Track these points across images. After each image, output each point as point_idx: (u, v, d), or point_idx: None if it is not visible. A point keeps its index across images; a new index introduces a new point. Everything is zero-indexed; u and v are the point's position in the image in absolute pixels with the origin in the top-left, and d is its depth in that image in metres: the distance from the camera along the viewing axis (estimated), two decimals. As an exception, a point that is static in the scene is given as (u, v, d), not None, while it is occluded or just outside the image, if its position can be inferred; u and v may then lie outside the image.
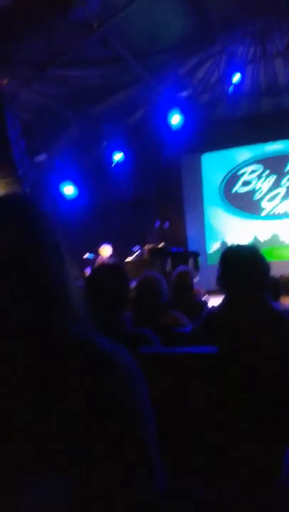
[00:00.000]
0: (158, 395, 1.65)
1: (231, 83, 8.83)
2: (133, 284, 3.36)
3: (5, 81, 6.68)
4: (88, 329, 0.82)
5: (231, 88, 8.90)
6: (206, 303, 3.93)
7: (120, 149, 9.61)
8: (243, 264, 1.83)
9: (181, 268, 3.91)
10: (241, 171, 10.89)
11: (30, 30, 6.40)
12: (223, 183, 11.05)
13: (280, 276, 4.25)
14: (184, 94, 9.11)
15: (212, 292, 7.31)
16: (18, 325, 0.76)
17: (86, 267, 9.71)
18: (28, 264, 0.78)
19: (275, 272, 8.23)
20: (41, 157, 8.85)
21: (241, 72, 8.73)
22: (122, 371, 0.75)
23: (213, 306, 3.24)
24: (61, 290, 0.81)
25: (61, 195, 9.66)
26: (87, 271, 9.52)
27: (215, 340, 1.81)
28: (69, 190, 9.62)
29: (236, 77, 8.64)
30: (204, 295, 4.62)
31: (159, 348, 1.86)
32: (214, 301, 5.80)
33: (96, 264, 9.19)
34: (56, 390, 0.71)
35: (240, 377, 1.55)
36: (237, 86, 8.88)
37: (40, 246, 0.80)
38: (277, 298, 3.57)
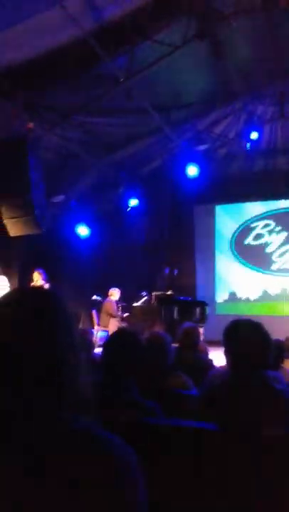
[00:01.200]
0: (158, 466, 1.65)
1: (249, 140, 9.06)
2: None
3: (30, 125, 6.93)
4: (93, 424, 0.85)
5: (249, 145, 9.13)
6: (211, 361, 3.92)
7: (136, 195, 9.81)
8: (246, 342, 1.87)
9: (187, 324, 3.92)
10: (254, 225, 11.02)
11: (60, 79, 6.70)
12: (235, 235, 11.17)
13: (286, 338, 4.24)
14: (202, 147, 9.36)
15: (219, 343, 7.25)
16: (26, 412, 0.80)
17: (93, 307, 9.75)
18: (43, 356, 0.82)
19: (283, 326, 8.08)
20: (59, 198, 9.06)
21: (259, 130, 8.99)
22: (127, 473, 0.78)
23: (217, 369, 3.24)
24: (72, 383, 0.85)
25: (75, 236, 9.82)
26: (94, 312, 9.55)
27: (216, 412, 1.83)
28: (83, 231, 9.79)
29: (254, 135, 8.88)
30: (208, 351, 4.61)
31: (162, 419, 1.87)
32: (218, 355, 5.74)
33: (104, 307, 9.23)
34: (59, 485, 0.74)
35: (237, 458, 1.55)
36: (254, 143, 9.11)
37: (57, 342, 0.85)
38: (280, 362, 3.55)
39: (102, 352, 2.10)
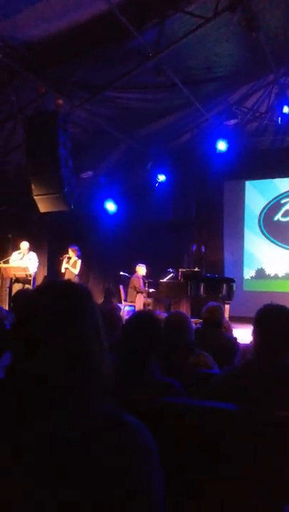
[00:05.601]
0: (175, 444, 1.73)
1: (281, 114, 8.83)
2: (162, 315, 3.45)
3: (60, 102, 6.96)
4: (115, 406, 0.92)
5: (280, 119, 8.91)
6: (235, 339, 3.97)
7: (164, 171, 9.77)
8: (275, 329, 1.91)
9: (211, 303, 3.97)
10: (284, 201, 10.83)
11: (88, 55, 6.66)
12: (265, 211, 11.02)
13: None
14: (232, 121, 9.19)
15: (245, 319, 7.27)
16: (56, 393, 0.88)
17: (121, 283, 9.90)
18: (71, 339, 0.90)
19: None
20: (87, 174, 9.12)
21: (291, 104, 8.74)
22: (144, 451, 0.86)
23: (243, 347, 3.28)
24: (97, 366, 0.93)
25: (103, 211, 9.91)
26: (121, 287, 9.69)
27: (236, 394, 1.89)
28: (111, 206, 9.87)
29: (286, 109, 8.65)
30: (232, 329, 4.66)
31: (183, 399, 1.94)
32: (243, 332, 5.78)
33: (131, 282, 9.35)
34: (83, 461, 0.82)
35: (253, 438, 1.62)
36: (286, 117, 8.88)
37: (85, 327, 0.93)
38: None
39: (122, 334, 2.18)
